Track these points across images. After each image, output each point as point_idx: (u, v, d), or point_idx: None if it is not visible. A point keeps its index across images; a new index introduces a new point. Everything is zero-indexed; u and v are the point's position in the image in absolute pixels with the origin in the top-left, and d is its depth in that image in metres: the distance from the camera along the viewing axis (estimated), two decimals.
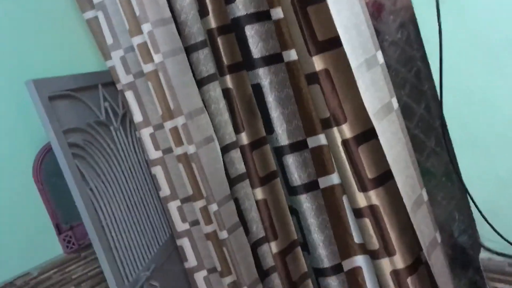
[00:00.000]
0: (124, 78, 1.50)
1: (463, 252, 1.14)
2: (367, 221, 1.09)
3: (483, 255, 1.05)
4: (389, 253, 1.08)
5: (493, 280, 1.04)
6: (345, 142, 1.08)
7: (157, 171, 1.51)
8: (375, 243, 1.09)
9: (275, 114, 1.18)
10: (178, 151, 1.46)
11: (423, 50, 1.09)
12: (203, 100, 1.37)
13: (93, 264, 1.56)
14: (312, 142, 1.20)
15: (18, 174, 1.47)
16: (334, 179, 1.20)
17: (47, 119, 1.27)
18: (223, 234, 1.43)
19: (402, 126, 1.12)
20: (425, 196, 1.13)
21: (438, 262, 1.11)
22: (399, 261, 1.08)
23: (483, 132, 1.01)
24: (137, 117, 1.50)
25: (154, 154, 1.51)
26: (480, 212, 1.03)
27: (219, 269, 1.47)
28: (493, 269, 1.04)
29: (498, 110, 0.98)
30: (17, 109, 1.46)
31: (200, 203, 1.47)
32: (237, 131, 1.26)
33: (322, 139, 1.20)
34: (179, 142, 1.45)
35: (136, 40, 1.40)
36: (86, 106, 1.46)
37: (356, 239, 1.21)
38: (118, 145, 1.52)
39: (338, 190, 1.21)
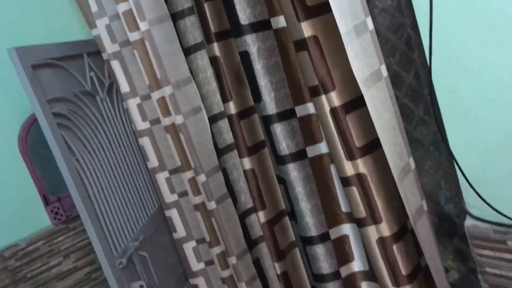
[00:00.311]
0: (109, 47, 1.46)
1: (449, 220, 1.15)
2: (354, 190, 1.09)
3: (469, 222, 1.06)
4: (376, 221, 1.09)
5: (477, 247, 1.05)
6: (333, 110, 1.07)
7: (145, 142, 1.50)
8: (362, 211, 1.10)
9: (263, 82, 1.16)
10: (166, 121, 1.44)
11: (413, 17, 1.07)
12: (190, 69, 1.35)
13: (82, 235, 1.56)
14: (300, 110, 1.19)
15: (3, 145, 1.45)
16: (322, 148, 1.20)
17: (30, 87, 1.24)
18: (212, 205, 1.43)
19: (391, 94, 1.11)
20: (413, 165, 1.13)
21: (424, 230, 1.12)
22: (385, 229, 1.09)
23: (471, 100, 1.01)
24: (124, 87, 1.48)
25: (141, 125, 1.49)
26: (466, 179, 1.03)
27: (207, 239, 1.48)
28: (478, 236, 1.05)
29: (486, 78, 0.97)
30: (1, 79, 1.43)
31: (188, 174, 1.46)
32: (224, 100, 1.25)
33: (310, 107, 1.18)
34: (166, 113, 1.43)
35: (121, 8, 1.36)
36: (71, 76, 1.43)
37: (344, 208, 1.21)
38: (104, 116, 1.50)
39: (326, 159, 1.21)
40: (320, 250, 1.19)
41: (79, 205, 1.31)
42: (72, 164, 1.32)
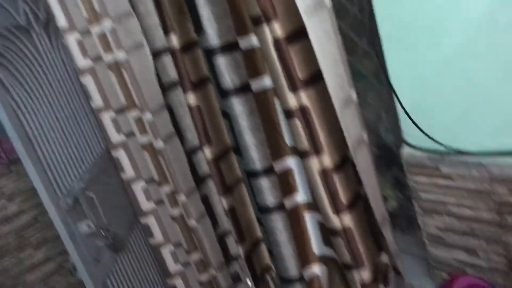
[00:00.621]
0: None
1: (389, 150, 1.18)
2: (297, 122, 1.09)
3: (405, 151, 1.09)
4: (318, 152, 1.10)
5: (413, 174, 1.09)
6: (276, 41, 1.05)
7: (87, 80, 1.43)
8: (304, 143, 1.11)
9: (205, 12, 1.12)
10: (108, 58, 1.38)
11: None
12: (130, 1, 1.28)
13: (26, 178, 1.51)
14: (244, 43, 1.16)
15: None
16: (266, 82, 1.18)
17: None
18: (159, 144, 1.41)
19: (334, 24, 1.09)
20: (354, 96, 1.14)
21: (363, 161, 1.15)
22: (327, 160, 1.11)
23: (411, 28, 1.01)
24: (61, 21, 1.39)
25: (82, 62, 1.42)
26: (403, 109, 1.05)
27: (156, 178, 1.47)
28: (414, 164, 1.09)
29: (426, 5, 0.97)
30: None
31: (134, 113, 1.42)
32: (166, 32, 1.20)
33: (254, 40, 1.15)
34: (108, 49, 1.36)
35: None
36: (2, 9, 1.33)
37: (288, 141, 1.21)
38: (42, 53, 1.42)
39: (270, 93, 1.19)
40: (265, 183, 1.20)
41: (18, 146, 1.27)
42: (8, 104, 1.26)
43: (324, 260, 1.27)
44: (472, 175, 1.00)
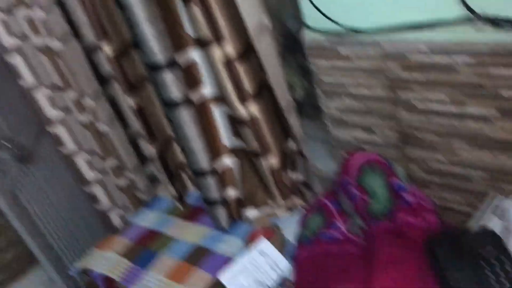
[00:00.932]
0: None
1: (292, 37, 1.17)
2: (195, 7, 1.04)
3: (307, 35, 1.09)
4: (219, 40, 1.07)
5: (314, 58, 1.10)
6: None
7: None
8: (205, 31, 1.07)
9: None
10: None
11: None
12: None
13: None
14: None
15: None
16: None
17: None
18: (56, 44, 1.31)
19: None
20: None
21: (267, 48, 1.13)
22: (229, 49, 1.08)
23: None
24: None
25: None
26: None
27: (59, 83, 1.38)
28: (315, 47, 1.09)
29: None
30: None
31: (23, 11, 1.29)
32: None
33: None
34: None
35: None
36: None
37: (190, 32, 1.16)
38: None
39: None
40: (168, 77, 1.15)
41: None
42: None
43: (234, 151, 1.29)
44: (367, 54, 1.02)
